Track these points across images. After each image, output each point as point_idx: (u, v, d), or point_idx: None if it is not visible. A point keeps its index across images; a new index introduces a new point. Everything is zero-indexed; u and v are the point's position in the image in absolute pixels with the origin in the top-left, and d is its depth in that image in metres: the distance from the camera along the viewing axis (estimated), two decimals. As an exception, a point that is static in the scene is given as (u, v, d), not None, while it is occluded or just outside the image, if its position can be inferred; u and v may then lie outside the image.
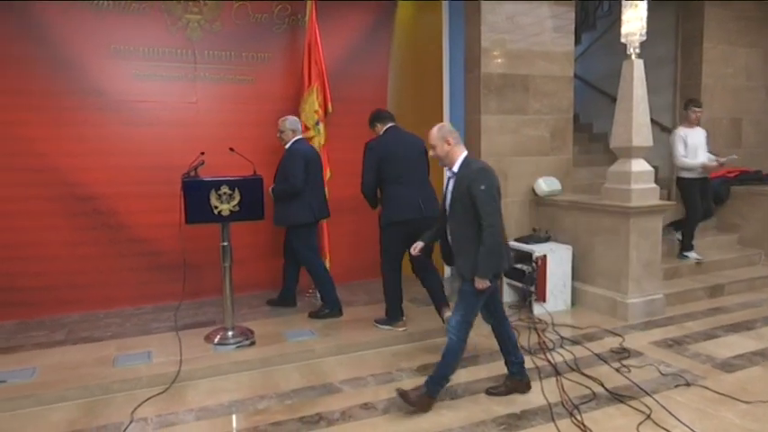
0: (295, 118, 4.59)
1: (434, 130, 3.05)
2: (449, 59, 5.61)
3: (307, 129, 4.88)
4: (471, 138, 5.32)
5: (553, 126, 5.46)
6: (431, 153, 3.10)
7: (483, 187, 2.86)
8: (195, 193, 3.69)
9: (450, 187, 3.07)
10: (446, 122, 3.04)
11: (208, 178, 3.78)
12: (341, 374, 3.54)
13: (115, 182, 4.69)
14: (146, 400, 3.20)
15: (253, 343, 3.92)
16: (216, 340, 3.91)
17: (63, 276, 4.61)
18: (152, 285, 4.85)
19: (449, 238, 3.16)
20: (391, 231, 4.02)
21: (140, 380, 3.39)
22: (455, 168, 3.01)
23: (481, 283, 2.94)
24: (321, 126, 4.86)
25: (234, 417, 3.06)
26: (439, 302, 4.10)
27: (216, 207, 3.73)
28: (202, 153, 4.03)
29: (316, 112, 4.83)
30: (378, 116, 4.20)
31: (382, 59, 5.58)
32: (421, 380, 3.16)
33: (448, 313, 3.91)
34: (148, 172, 4.74)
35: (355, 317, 4.48)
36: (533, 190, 5.36)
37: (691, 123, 5.56)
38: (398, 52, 5.69)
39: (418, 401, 3.02)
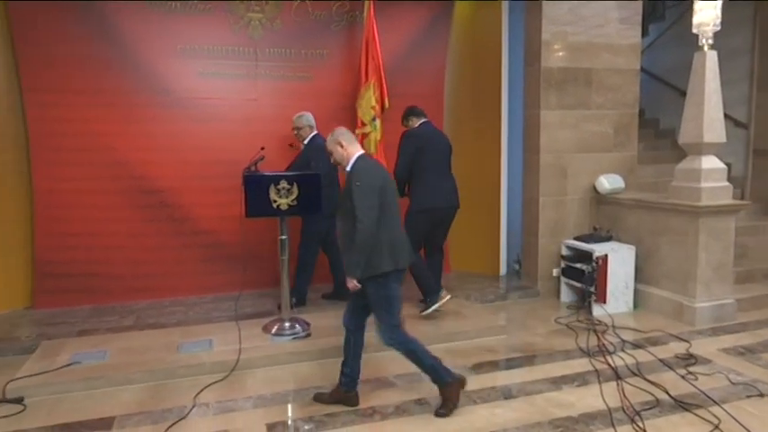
0: (310, 114, 4.63)
1: (328, 138, 3.06)
2: (507, 53, 5.50)
3: (363, 124, 4.93)
4: (530, 133, 5.21)
5: (617, 121, 5.26)
6: (331, 160, 3.08)
7: (358, 183, 2.85)
8: (255, 188, 3.78)
9: None
10: (340, 127, 3.12)
11: (267, 173, 3.88)
12: (395, 369, 3.54)
13: (180, 176, 4.88)
14: (207, 386, 3.32)
15: (308, 335, 4.00)
16: (273, 331, 4.00)
17: (132, 265, 4.85)
18: (213, 276, 5.02)
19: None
20: (419, 217, 4.17)
21: (202, 366, 3.52)
22: (348, 168, 3.00)
23: (349, 283, 2.89)
24: (378, 122, 4.88)
25: (290, 406, 3.13)
26: (427, 285, 4.29)
27: (275, 201, 3.81)
28: (262, 148, 4.12)
29: (372, 107, 4.87)
30: (413, 112, 4.37)
31: (440, 55, 5.54)
32: (476, 378, 3.22)
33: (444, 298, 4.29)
34: (211, 166, 4.91)
35: (408, 312, 4.44)
36: (594, 188, 5.19)
37: None
38: (456, 47, 5.63)
39: (453, 397, 3.01)
